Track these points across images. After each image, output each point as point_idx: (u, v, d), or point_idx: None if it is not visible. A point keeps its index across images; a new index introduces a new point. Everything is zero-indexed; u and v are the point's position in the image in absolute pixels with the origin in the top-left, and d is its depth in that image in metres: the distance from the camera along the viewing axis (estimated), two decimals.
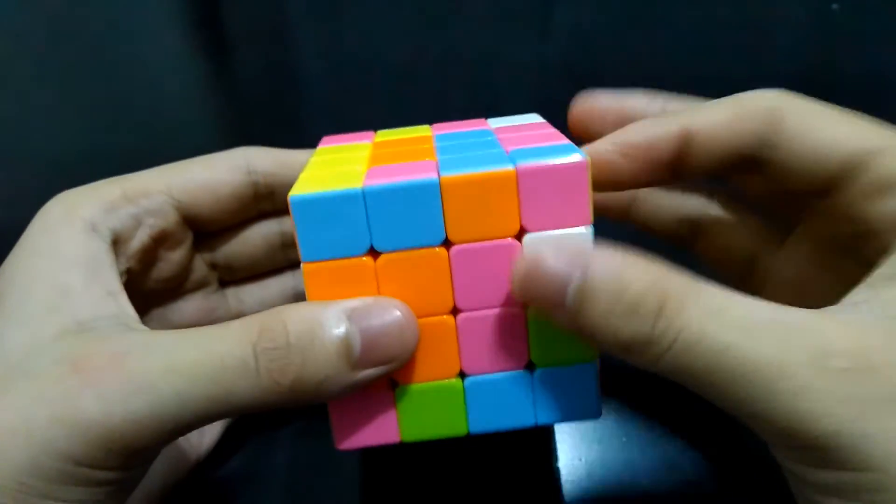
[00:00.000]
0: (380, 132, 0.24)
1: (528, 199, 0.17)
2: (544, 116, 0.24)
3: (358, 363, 0.17)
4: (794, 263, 0.21)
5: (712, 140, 0.19)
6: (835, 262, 0.20)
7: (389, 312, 0.17)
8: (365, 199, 0.17)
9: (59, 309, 0.17)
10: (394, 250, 0.18)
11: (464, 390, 0.19)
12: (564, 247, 0.17)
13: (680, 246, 0.24)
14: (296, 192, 0.17)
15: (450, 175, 0.17)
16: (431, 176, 0.17)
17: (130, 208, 0.21)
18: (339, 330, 0.17)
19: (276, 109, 0.48)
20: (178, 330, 0.17)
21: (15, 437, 0.15)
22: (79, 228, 0.19)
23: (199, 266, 0.24)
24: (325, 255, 0.18)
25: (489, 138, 0.21)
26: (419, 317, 0.18)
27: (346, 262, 0.18)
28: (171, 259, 0.23)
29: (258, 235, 0.24)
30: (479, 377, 0.19)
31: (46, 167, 0.41)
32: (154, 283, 0.23)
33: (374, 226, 0.18)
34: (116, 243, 0.20)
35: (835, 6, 0.51)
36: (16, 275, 0.18)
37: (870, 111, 0.19)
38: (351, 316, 0.17)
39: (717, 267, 0.23)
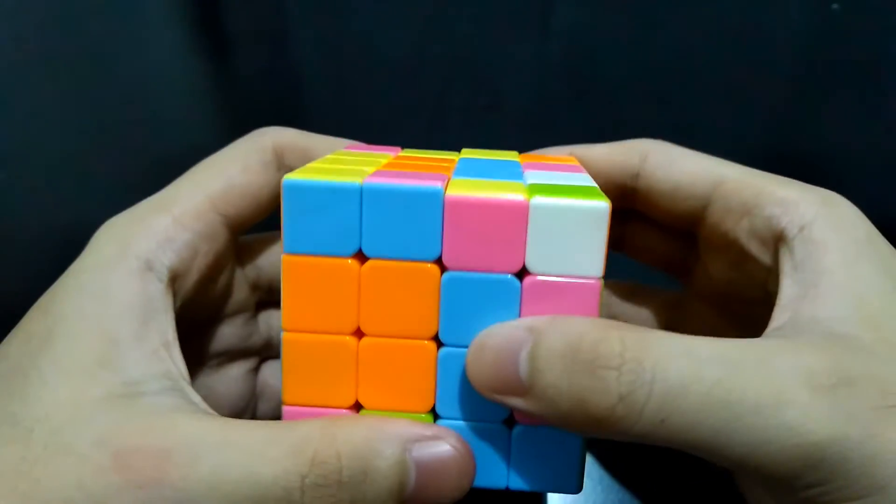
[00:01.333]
0: (404, 151, 0.23)
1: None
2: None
3: (406, 501, 0.16)
4: (699, 317, 0.23)
5: (594, 166, 0.22)
6: (729, 303, 0.21)
7: (447, 448, 0.16)
8: (361, 196, 0.16)
9: (107, 364, 0.17)
10: (382, 257, 0.17)
11: None
12: (510, 325, 0.16)
13: None
14: (292, 175, 0.16)
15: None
16: (436, 184, 0.16)
17: (185, 235, 0.19)
18: (395, 466, 0.16)
19: (277, 109, 0.48)
20: (224, 428, 0.16)
21: None
22: (133, 269, 0.18)
23: (241, 286, 0.23)
24: (309, 248, 0.17)
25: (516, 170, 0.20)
26: (398, 336, 0.17)
27: (329, 260, 0.17)
28: (220, 280, 0.22)
29: None
30: (452, 422, 0.18)
31: (47, 167, 0.41)
32: (202, 308, 0.22)
33: (367, 227, 0.16)
34: (174, 280, 0.19)
35: (835, 6, 0.51)
36: (64, 313, 0.17)
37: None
38: (409, 448, 0.16)
39: None
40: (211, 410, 0.17)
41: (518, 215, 0.16)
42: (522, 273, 0.17)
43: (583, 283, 0.16)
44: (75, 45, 0.55)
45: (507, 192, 0.16)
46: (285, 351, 0.18)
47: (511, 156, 0.22)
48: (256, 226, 0.24)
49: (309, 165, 0.18)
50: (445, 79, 0.48)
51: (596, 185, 0.18)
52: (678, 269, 0.24)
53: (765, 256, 0.19)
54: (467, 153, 0.22)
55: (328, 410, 0.18)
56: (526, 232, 0.16)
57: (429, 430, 0.17)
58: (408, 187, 0.16)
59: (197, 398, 0.18)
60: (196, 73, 0.53)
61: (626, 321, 0.25)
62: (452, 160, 0.21)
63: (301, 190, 0.16)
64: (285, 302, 0.17)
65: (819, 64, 0.47)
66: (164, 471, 0.15)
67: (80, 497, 0.15)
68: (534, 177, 0.18)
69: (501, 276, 0.17)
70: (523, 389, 0.16)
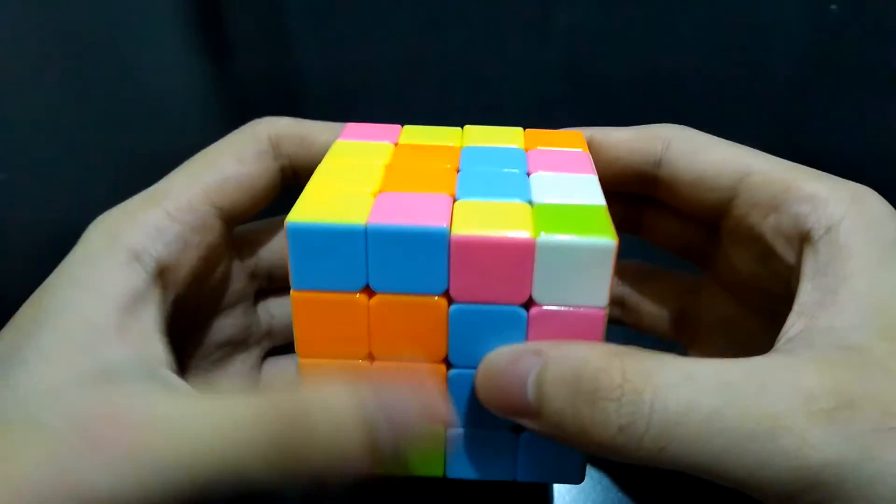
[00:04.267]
0: (406, 128, 0.22)
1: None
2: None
3: (371, 425, 0.16)
4: (717, 304, 0.22)
5: (614, 152, 0.22)
6: (750, 294, 0.21)
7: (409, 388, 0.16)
8: (367, 237, 0.16)
9: (87, 349, 0.17)
10: (390, 292, 0.17)
11: (445, 438, 0.18)
12: (518, 348, 0.17)
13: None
14: (295, 216, 0.16)
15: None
16: (440, 224, 0.16)
17: (176, 227, 0.19)
18: (362, 417, 0.16)
19: (277, 110, 0.48)
20: (197, 399, 0.16)
21: (20, 502, 0.15)
22: (121, 259, 0.18)
23: (238, 276, 0.23)
24: (316, 285, 0.17)
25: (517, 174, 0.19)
26: (408, 361, 0.17)
27: (337, 295, 0.17)
28: (216, 272, 0.22)
29: None
30: (463, 430, 0.18)
31: (48, 168, 0.41)
32: (199, 301, 0.21)
33: (373, 265, 0.16)
34: (164, 272, 0.19)
35: (833, 7, 0.51)
36: (50, 304, 0.17)
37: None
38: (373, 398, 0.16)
39: (648, 332, 0.24)
40: (192, 391, 0.17)
41: (525, 252, 0.16)
42: (529, 303, 0.17)
43: (588, 312, 0.17)
44: (76, 46, 0.55)
45: (513, 227, 0.16)
46: (303, 375, 0.18)
47: (516, 138, 0.22)
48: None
49: (307, 190, 0.18)
50: (445, 79, 0.48)
51: (604, 201, 0.18)
52: (698, 255, 0.23)
53: (789, 255, 0.18)
54: (470, 134, 0.22)
55: None
56: (533, 267, 0.16)
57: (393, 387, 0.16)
58: (412, 228, 0.16)
59: (178, 382, 0.18)
60: (197, 74, 0.53)
61: (639, 307, 0.24)
62: (455, 151, 0.21)
63: (305, 233, 0.16)
64: (297, 334, 0.17)
65: (817, 64, 0.47)
66: (138, 444, 0.15)
67: (53, 473, 0.15)
68: (540, 187, 0.18)
69: (508, 307, 0.17)
70: (532, 412, 0.16)
